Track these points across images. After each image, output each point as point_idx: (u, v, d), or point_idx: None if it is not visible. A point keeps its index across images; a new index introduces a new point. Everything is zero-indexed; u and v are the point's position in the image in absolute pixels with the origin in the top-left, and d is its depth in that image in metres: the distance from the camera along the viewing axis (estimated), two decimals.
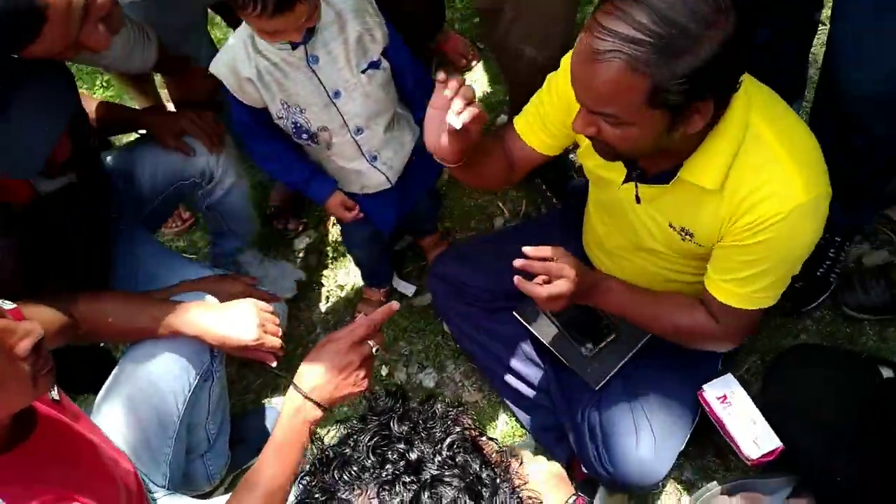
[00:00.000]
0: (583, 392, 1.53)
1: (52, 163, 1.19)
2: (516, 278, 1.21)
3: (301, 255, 2.14)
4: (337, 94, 1.39)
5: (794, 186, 1.07)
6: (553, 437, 1.64)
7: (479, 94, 2.30)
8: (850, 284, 1.71)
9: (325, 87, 1.38)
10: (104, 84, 2.63)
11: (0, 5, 1.02)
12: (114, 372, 1.34)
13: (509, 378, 1.66)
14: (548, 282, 1.21)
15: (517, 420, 1.74)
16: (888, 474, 1.23)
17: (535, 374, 1.63)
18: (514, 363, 1.64)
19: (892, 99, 1.34)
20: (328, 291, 2.08)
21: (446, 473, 0.68)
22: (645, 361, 1.51)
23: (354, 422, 0.75)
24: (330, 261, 2.12)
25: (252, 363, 1.88)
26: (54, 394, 1.10)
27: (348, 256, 2.11)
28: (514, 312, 1.60)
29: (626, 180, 1.22)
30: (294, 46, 1.31)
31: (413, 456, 0.69)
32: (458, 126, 1.09)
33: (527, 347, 1.64)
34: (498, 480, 0.71)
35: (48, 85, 1.17)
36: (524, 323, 1.59)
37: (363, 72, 1.39)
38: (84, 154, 1.39)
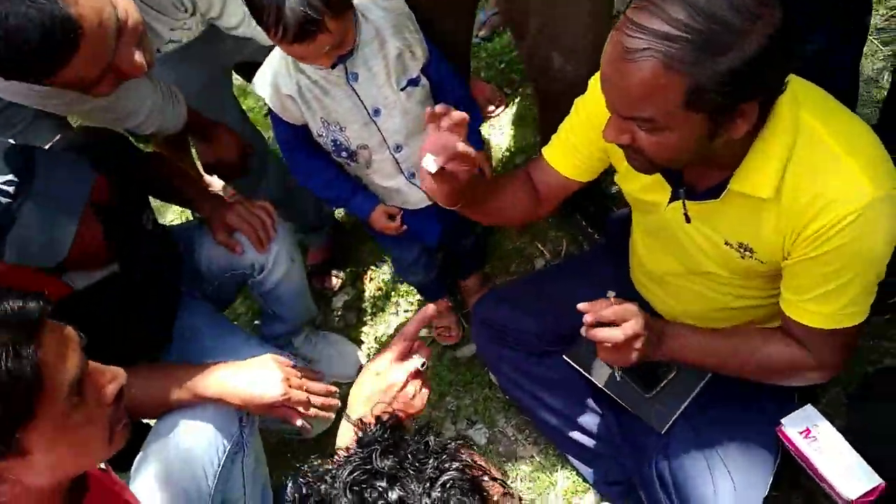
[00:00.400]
0: (648, 436, 1.41)
1: (83, 257, 1.16)
2: (584, 329, 1.13)
3: (339, 313, 2.10)
4: (377, 111, 1.39)
5: (860, 183, 0.97)
6: (618, 490, 1.51)
7: (507, 138, 2.26)
8: None
9: (364, 105, 1.38)
10: None
11: (34, 18, 1.00)
12: (142, 448, 1.29)
13: (565, 428, 1.54)
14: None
15: (579, 474, 1.60)
16: None
17: (592, 421, 1.51)
18: (569, 411, 1.53)
19: None
20: (368, 348, 2.02)
21: None
22: (712, 397, 1.38)
23: (342, 454, 0.67)
24: (369, 317, 2.07)
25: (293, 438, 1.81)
26: (101, 464, 1.05)
27: (387, 311, 2.06)
28: (564, 356, 1.50)
29: (672, 199, 1.14)
30: (333, 65, 1.31)
31: (394, 496, 0.61)
32: (431, 170, 1.05)
33: (581, 393, 1.52)
34: None
35: (62, 176, 1.15)
36: (577, 367, 1.48)
37: (402, 89, 1.38)
38: (130, 241, 1.36)
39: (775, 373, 1.19)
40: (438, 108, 1.05)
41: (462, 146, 1.05)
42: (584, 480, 1.59)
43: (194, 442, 1.26)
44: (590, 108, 1.20)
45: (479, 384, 1.83)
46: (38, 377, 0.78)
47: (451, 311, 1.95)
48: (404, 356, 1.06)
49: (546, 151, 1.32)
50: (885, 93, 1.91)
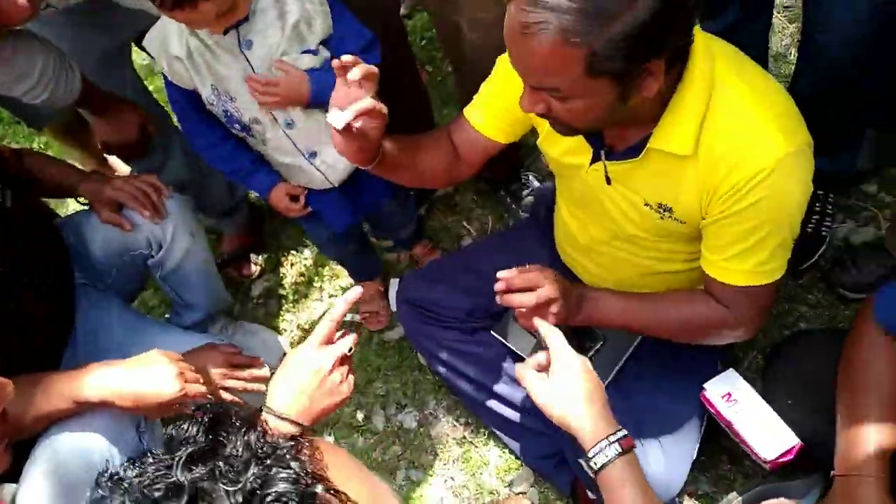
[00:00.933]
0: None
1: None
2: (498, 297, 1.11)
3: (259, 301, 2.00)
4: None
5: (773, 139, 0.97)
6: (552, 464, 1.50)
7: None
8: (842, 265, 1.64)
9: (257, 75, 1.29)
10: (42, 146, 2.49)
11: None
12: (25, 468, 1.14)
13: (495, 404, 1.51)
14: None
15: (511, 452, 1.59)
16: None
17: (520, 395, 1.49)
18: (499, 387, 1.50)
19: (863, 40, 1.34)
20: (291, 337, 1.93)
21: None
22: (639, 367, 1.39)
23: (152, 453, 0.56)
24: (290, 304, 1.98)
25: None
26: None
27: (311, 297, 1.98)
28: (492, 332, 1.47)
29: (594, 161, 1.13)
30: (225, 31, 1.22)
31: None
32: (338, 126, 1.00)
33: (510, 368, 1.50)
34: None
35: None
36: (504, 341, 1.46)
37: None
38: None
39: (698, 331, 1.20)
40: (345, 58, 0.98)
41: (370, 101, 1.00)
42: (517, 457, 1.58)
43: (82, 461, 1.12)
44: (510, 68, 1.17)
45: (409, 367, 1.79)
46: None
47: (381, 296, 1.89)
48: (330, 340, 1.00)
49: (467, 112, 1.28)
50: (793, 67, 1.98)
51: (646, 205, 1.12)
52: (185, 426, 0.57)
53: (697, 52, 0.97)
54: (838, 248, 1.69)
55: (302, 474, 0.55)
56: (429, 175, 1.30)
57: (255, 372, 1.36)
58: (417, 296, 1.53)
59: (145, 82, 1.86)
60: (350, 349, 1.00)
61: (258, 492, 0.51)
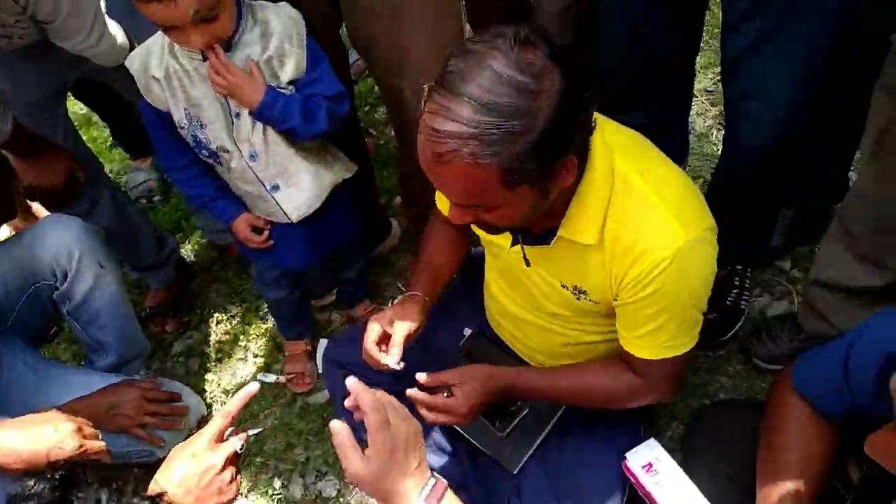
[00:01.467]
0: (500, 480, 1.38)
1: None
2: (410, 391, 1.19)
3: (181, 359, 1.92)
4: (238, 114, 1.34)
5: (671, 230, 1.02)
6: None
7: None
8: (758, 337, 1.70)
9: (228, 104, 1.33)
10: None
11: None
12: None
13: None
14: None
15: None
16: None
17: (439, 463, 1.46)
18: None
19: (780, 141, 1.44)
20: (211, 398, 1.85)
21: None
22: (563, 434, 1.39)
23: None
24: (213, 363, 1.91)
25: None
26: None
27: (235, 356, 1.91)
28: None
29: (514, 244, 1.18)
30: (205, 58, 1.25)
31: None
32: (398, 368, 1.20)
33: (435, 435, 1.47)
34: None
35: None
36: None
37: None
38: None
39: (616, 399, 1.25)
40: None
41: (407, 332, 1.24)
42: None
43: None
44: None
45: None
46: None
47: (307, 357, 1.84)
48: (221, 438, 1.01)
49: (438, 202, 1.36)
50: (716, 148, 2.10)
51: (563, 286, 1.17)
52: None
53: (597, 144, 1.01)
54: (755, 320, 1.76)
55: None
56: (457, 258, 1.43)
57: (174, 405, 1.31)
58: (345, 357, 1.49)
59: (81, 132, 1.83)
60: (242, 447, 1.01)
61: None
